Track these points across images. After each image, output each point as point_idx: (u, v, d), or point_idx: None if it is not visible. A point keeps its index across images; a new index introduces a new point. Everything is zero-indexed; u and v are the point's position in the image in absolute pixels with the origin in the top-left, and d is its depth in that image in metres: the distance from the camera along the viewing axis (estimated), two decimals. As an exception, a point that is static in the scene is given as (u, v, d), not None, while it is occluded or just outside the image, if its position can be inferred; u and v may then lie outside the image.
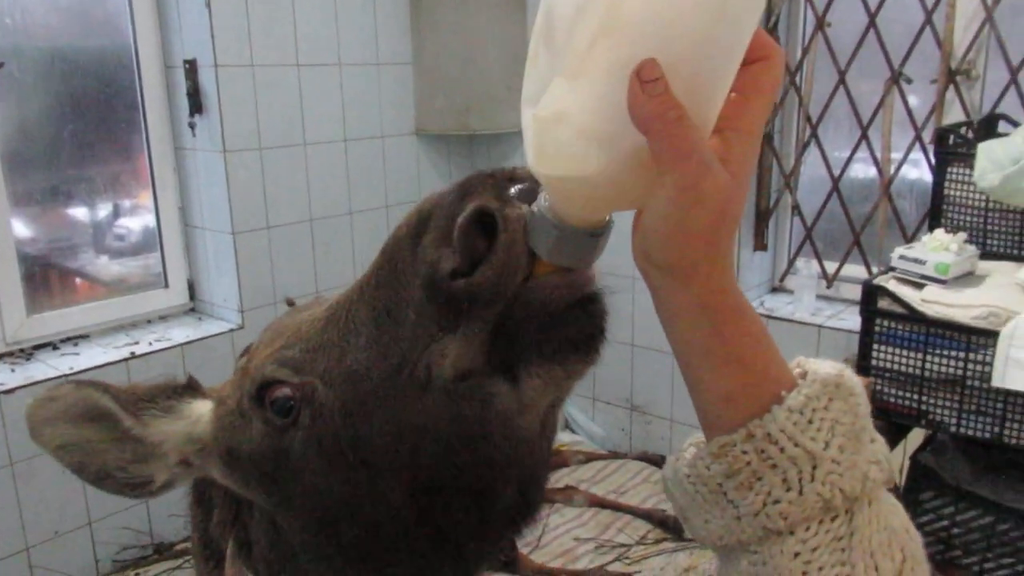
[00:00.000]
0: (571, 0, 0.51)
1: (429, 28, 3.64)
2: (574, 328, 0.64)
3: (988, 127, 2.47)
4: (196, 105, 3.11)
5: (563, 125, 0.53)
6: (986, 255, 2.26)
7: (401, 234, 0.67)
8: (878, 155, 3.10)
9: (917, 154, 3.02)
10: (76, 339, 3.06)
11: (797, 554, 0.57)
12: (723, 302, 0.59)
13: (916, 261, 2.13)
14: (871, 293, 2.11)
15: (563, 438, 3.82)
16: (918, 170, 3.14)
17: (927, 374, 2.03)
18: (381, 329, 0.70)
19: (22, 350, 2.93)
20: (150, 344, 3.03)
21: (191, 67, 3.09)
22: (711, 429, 0.61)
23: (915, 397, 2.07)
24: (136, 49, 3.13)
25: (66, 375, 2.80)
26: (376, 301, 0.70)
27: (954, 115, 2.88)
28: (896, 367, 2.08)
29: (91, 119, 3.14)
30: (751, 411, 0.58)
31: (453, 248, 0.61)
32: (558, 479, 3.50)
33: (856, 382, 0.60)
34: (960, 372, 1.98)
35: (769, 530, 0.57)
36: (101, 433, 0.84)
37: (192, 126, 3.15)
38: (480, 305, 0.62)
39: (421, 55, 3.69)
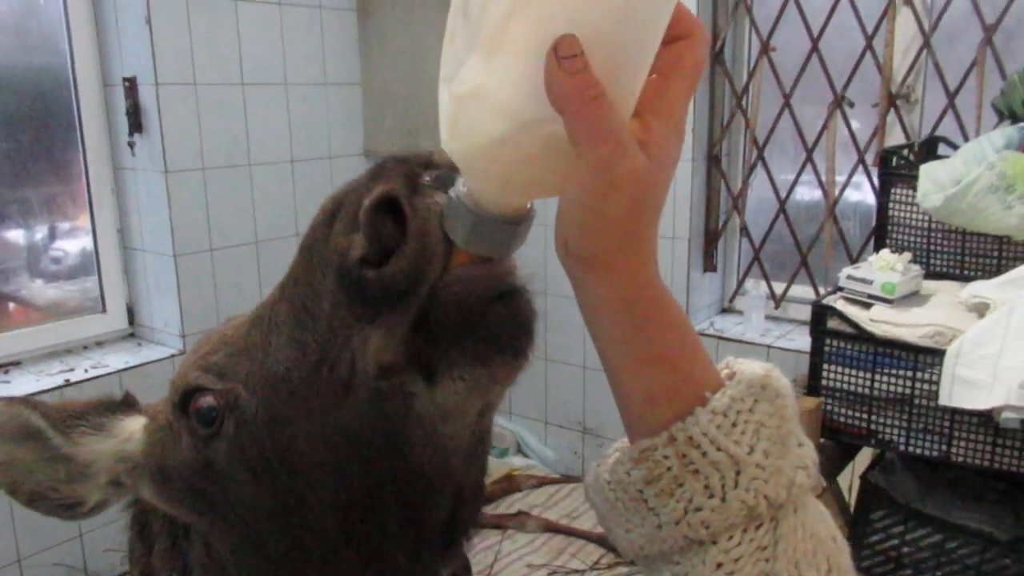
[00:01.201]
0: None
1: (377, 48, 3.61)
2: (496, 325, 0.59)
3: (929, 149, 2.53)
4: (136, 124, 3.03)
5: (478, 101, 0.50)
6: (930, 275, 2.30)
7: (316, 223, 0.64)
8: (823, 177, 3.14)
9: (860, 176, 3.07)
10: (7, 366, 2.94)
11: (720, 564, 0.54)
12: (644, 296, 0.56)
13: (863, 281, 2.15)
14: (820, 313, 2.13)
15: (515, 462, 3.78)
16: (860, 192, 3.19)
17: (876, 393, 2.05)
18: (300, 326, 0.65)
19: (-42, 375, 2.80)
20: (86, 371, 2.92)
21: (131, 85, 3.01)
22: (634, 432, 0.58)
23: (865, 416, 2.08)
24: (73, 66, 3.03)
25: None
26: (295, 297, 0.66)
27: (895, 138, 2.94)
28: (846, 387, 2.09)
29: (25, 138, 3.04)
30: (674, 413, 0.55)
31: (358, 230, 0.58)
32: (511, 504, 3.46)
33: (784, 384, 0.58)
34: (908, 391, 2.00)
35: (691, 540, 0.54)
36: (33, 453, 0.81)
37: (132, 145, 3.06)
38: (395, 296, 0.58)
39: (369, 75, 3.65)
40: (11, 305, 3.29)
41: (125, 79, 3.01)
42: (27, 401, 0.81)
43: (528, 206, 0.57)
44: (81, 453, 0.81)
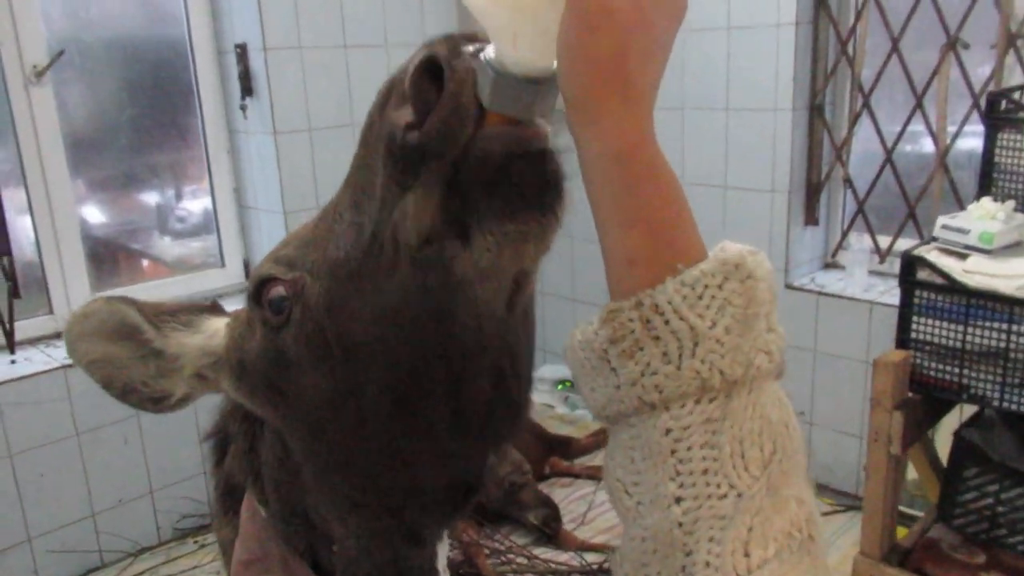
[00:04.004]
0: None
1: (475, 7, 3.65)
2: (521, 179, 0.61)
3: (1046, 91, 2.37)
4: (247, 88, 3.20)
5: None
6: (1038, 224, 2.17)
7: (372, 106, 0.66)
8: (933, 125, 2.99)
9: (977, 124, 2.90)
10: (137, 316, 3.19)
11: (669, 431, 0.56)
12: (636, 155, 0.57)
13: (959, 231, 2.06)
14: (910, 264, 2.05)
15: (611, 415, 3.82)
16: (978, 141, 3.02)
17: (968, 347, 1.97)
18: (358, 208, 0.69)
19: (87, 326, 3.07)
20: (206, 321, 3.14)
21: (242, 51, 3.17)
22: (612, 294, 0.60)
23: (956, 371, 2.00)
24: (190, 35, 3.23)
25: (126, 350, 2.93)
26: (355, 182, 0.70)
27: (1016, 81, 2.77)
28: (936, 340, 2.02)
29: (149, 105, 3.26)
30: (648, 280, 0.57)
31: (407, 101, 0.61)
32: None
33: (762, 268, 0.58)
34: (1003, 344, 1.91)
35: (644, 402, 0.56)
36: (127, 349, 0.87)
37: (244, 108, 3.24)
38: (430, 157, 0.60)
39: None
40: (144, 262, 3.58)
41: (237, 45, 3.18)
42: (124, 299, 0.88)
43: (550, 67, 0.59)
44: (171, 346, 0.88)
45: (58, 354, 2.87)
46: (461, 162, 0.61)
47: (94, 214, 3.29)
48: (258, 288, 0.77)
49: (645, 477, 0.57)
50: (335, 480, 0.82)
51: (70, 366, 2.81)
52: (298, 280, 0.73)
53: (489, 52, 0.59)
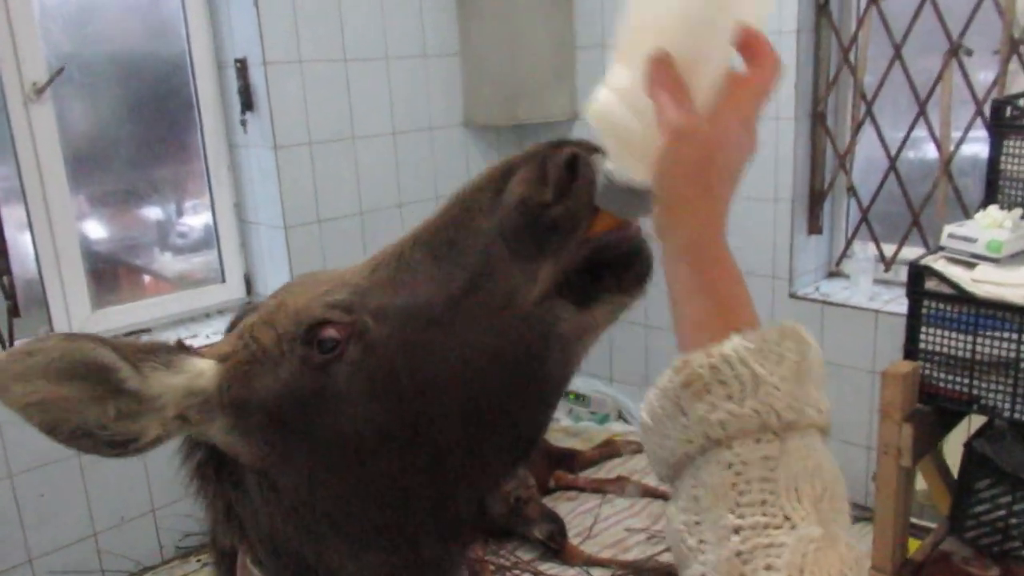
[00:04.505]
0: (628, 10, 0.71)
1: (475, 18, 3.65)
2: (639, 269, 0.79)
3: (1050, 97, 2.35)
4: (247, 103, 3.19)
5: (609, 91, 0.72)
6: (1046, 232, 2.15)
7: (481, 182, 0.79)
8: (937, 132, 2.98)
9: (980, 131, 2.89)
10: (139, 332, 3.18)
11: (731, 464, 0.63)
12: (710, 245, 0.69)
13: (967, 239, 2.04)
14: (918, 274, 2.03)
15: (616, 428, 3.80)
16: (981, 147, 3.00)
17: (979, 357, 1.95)
18: (442, 263, 0.79)
19: (87, 344, 3.05)
20: (207, 336, 3.13)
21: (242, 66, 3.17)
22: (682, 353, 0.69)
23: (966, 381, 1.98)
24: (190, 51, 3.22)
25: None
26: (437, 240, 0.80)
27: (1019, 87, 2.75)
28: (945, 350, 2.00)
29: (149, 121, 3.25)
30: (715, 339, 0.66)
31: (548, 183, 0.75)
32: (610, 469, 3.49)
33: (812, 340, 0.68)
34: (1014, 355, 1.89)
35: (710, 439, 0.64)
36: (83, 391, 0.81)
37: (244, 123, 3.23)
38: (560, 235, 0.75)
39: (468, 46, 3.70)
40: (146, 277, 3.56)
41: (237, 60, 3.17)
42: (91, 337, 0.82)
43: (647, 182, 0.71)
44: (149, 387, 0.83)
45: (58, 372, 2.85)
46: (594, 250, 0.76)
47: (95, 230, 3.27)
48: (310, 330, 0.82)
49: (707, 515, 0.63)
50: (355, 514, 0.83)
51: (71, 384, 2.79)
52: (355, 323, 0.80)
53: (605, 163, 0.73)
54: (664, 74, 0.68)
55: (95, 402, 0.81)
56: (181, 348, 0.88)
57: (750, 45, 0.70)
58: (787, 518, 0.61)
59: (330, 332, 0.80)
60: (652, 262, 0.79)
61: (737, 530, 0.61)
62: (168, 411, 0.84)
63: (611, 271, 0.78)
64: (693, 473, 0.65)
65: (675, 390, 0.65)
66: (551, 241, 0.75)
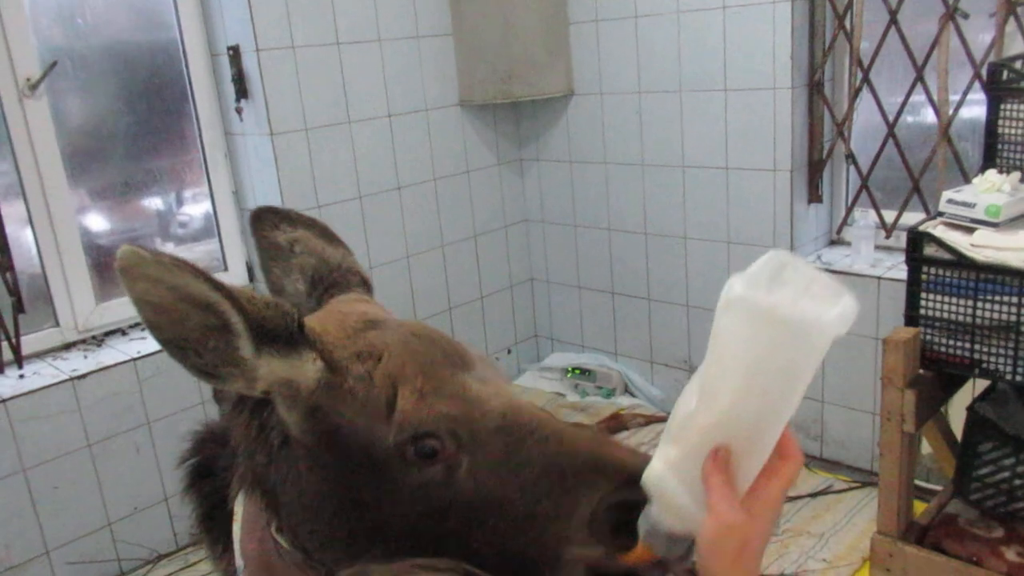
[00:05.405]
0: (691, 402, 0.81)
1: (467, -3, 3.62)
2: None
3: (1048, 59, 2.33)
4: (242, 90, 3.18)
5: (664, 465, 0.82)
6: (1045, 194, 2.15)
7: (580, 463, 0.88)
8: (935, 97, 2.96)
9: (979, 94, 2.87)
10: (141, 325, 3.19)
11: None
12: None
13: (965, 204, 2.04)
14: (916, 240, 2.04)
15: (622, 402, 3.82)
16: (981, 110, 2.99)
17: (979, 321, 1.95)
18: (539, 495, 0.89)
19: (94, 337, 3.07)
20: (212, 326, 3.13)
21: (235, 53, 3.15)
22: None
23: (967, 346, 1.99)
24: (182, 39, 3.21)
25: (134, 359, 2.93)
26: (543, 485, 0.89)
27: (1016, 49, 2.73)
28: (946, 316, 2.01)
29: (145, 112, 3.24)
30: None
31: (604, 548, 0.87)
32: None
33: None
34: (1015, 318, 1.90)
35: None
36: (199, 317, 0.83)
37: (239, 111, 3.23)
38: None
39: (461, 25, 3.68)
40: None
41: (229, 48, 3.16)
42: (236, 293, 0.83)
43: (687, 535, 0.82)
44: (257, 364, 0.87)
45: (66, 366, 2.87)
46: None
47: (98, 223, 3.28)
48: (418, 435, 0.89)
49: None
50: (358, 551, 0.92)
51: (79, 377, 2.81)
52: (456, 456, 0.89)
53: (651, 508, 0.83)
54: (721, 469, 0.79)
55: (204, 330, 0.84)
56: (302, 332, 0.89)
57: (782, 443, 0.81)
58: None
59: (432, 444, 0.88)
60: None
61: None
62: (259, 384, 0.89)
63: None
64: None
65: None
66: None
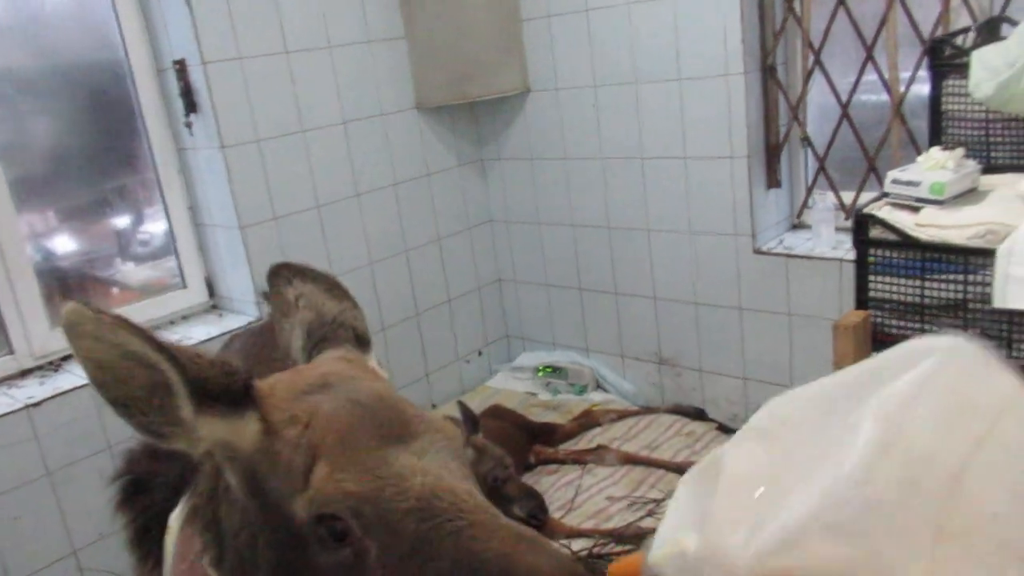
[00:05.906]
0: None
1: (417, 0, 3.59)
2: None
3: (990, 32, 2.32)
4: (190, 104, 3.14)
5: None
6: (991, 168, 2.13)
7: (490, 568, 0.83)
8: (886, 75, 2.95)
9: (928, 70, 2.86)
10: (103, 346, 3.15)
11: None
12: None
13: (911, 184, 2.02)
14: (861, 222, 2.02)
15: (594, 397, 3.79)
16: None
17: (927, 301, 1.94)
18: None
19: (50, 363, 3.03)
20: (172, 344, 3.09)
21: (181, 67, 3.11)
22: None
23: (917, 326, 1.97)
24: (127, 56, 3.16)
25: (92, 382, 2.88)
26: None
27: (963, 24, 2.72)
28: (896, 297, 1.99)
29: (94, 132, 3.20)
30: None
31: None
32: (590, 439, 3.48)
33: None
34: (961, 296, 1.88)
35: None
36: (142, 376, 0.86)
37: (189, 126, 3.18)
38: None
39: (413, 28, 3.64)
40: (114, 289, 3.52)
41: (175, 62, 3.12)
42: (172, 356, 0.84)
43: None
44: (198, 425, 0.88)
45: (21, 394, 2.83)
46: None
47: (58, 245, 3.23)
48: (324, 516, 0.87)
49: None
50: None
51: (34, 405, 2.76)
52: (361, 542, 0.86)
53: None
54: None
55: (150, 388, 0.86)
56: (247, 393, 0.90)
57: None
58: None
59: (340, 526, 0.85)
60: None
61: None
62: (201, 445, 0.90)
63: None
64: None
65: None
66: None
